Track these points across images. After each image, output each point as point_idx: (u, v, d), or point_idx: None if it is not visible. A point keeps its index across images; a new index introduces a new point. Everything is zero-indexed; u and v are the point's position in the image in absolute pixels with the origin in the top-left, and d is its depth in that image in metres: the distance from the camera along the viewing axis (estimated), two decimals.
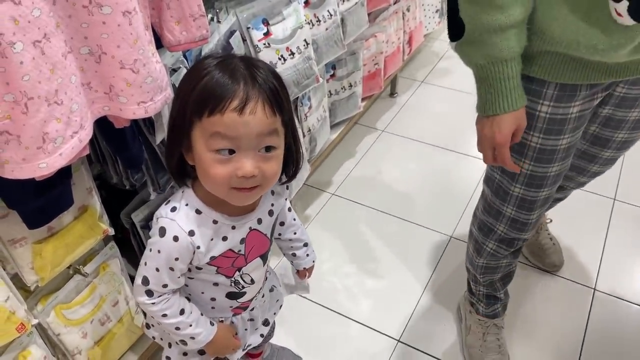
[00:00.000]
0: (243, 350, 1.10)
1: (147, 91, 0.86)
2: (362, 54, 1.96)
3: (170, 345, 1.05)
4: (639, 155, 1.68)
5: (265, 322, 1.13)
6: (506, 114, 0.93)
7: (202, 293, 0.97)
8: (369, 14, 1.88)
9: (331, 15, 1.64)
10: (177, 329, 0.93)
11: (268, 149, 0.80)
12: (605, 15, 0.83)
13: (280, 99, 0.80)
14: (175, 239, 0.85)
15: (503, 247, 1.28)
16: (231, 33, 1.31)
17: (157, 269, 0.87)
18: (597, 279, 1.68)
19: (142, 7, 0.84)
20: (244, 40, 1.37)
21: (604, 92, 1.02)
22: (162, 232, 0.85)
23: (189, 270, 0.91)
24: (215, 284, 0.96)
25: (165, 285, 0.89)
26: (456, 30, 0.94)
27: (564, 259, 1.73)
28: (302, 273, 1.19)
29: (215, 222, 0.88)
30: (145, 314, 1.31)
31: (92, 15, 0.76)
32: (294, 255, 1.15)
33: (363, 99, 2.12)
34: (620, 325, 1.55)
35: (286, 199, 1.05)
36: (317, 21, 1.60)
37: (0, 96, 0.69)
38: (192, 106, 0.78)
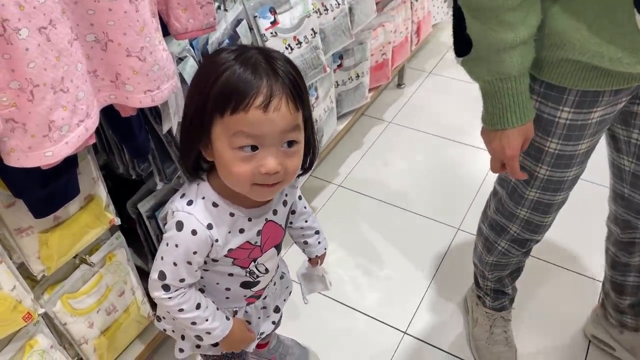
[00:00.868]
0: (258, 339, 1.10)
1: (153, 79, 0.85)
2: (370, 44, 1.94)
3: (183, 337, 1.05)
4: None
5: (276, 309, 1.13)
6: (514, 128, 0.92)
7: (217, 284, 0.97)
8: (376, 3, 1.86)
9: (339, 4, 1.62)
10: (194, 323, 0.93)
11: (290, 144, 0.79)
12: (631, 28, 0.79)
13: (301, 93, 0.79)
14: (194, 232, 0.84)
15: (515, 247, 1.26)
16: (238, 22, 1.30)
17: (175, 264, 0.86)
18: None
19: None
20: (250, 29, 1.36)
21: (630, 94, 0.97)
22: (180, 226, 0.84)
23: (205, 262, 0.90)
24: (230, 275, 0.95)
25: (182, 280, 0.88)
26: (463, 46, 0.92)
27: (573, 256, 1.72)
28: (314, 261, 1.18)
29: (232, 214, 0.87)
30: (153, 306, 1.32)
31: (98, 2, 0.75)
32: (305, 243, 1.14)
33: (370, 90, 2.10)
34: None
35: (297, 187, 1.04)
36: (324, 10, 1.58)
37: (6, 83, 0.68)
38: (212, 103, 0.76)
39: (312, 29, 1.49)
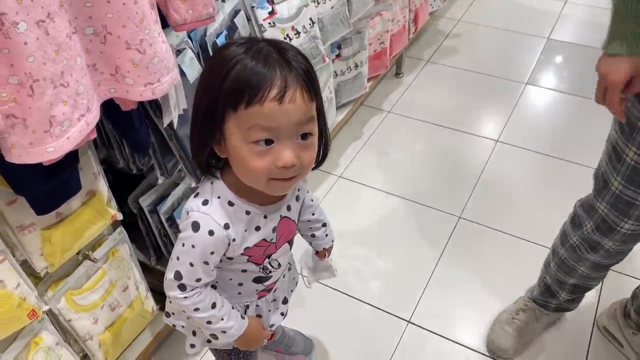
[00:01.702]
0: (269, 330, 1.09)
1: (153, 72, 0.84)
2: (368, 33, 1.93)
3: (195, 333, 1.04)
4: None
5: (285, 301, 1.12)
6: (625, 56, 0.89)
7: (230, 279, 0.96)
8: None
9: None
10: (209, 322, 0.92)
11: (305, 136, 0.77)
12: None
13: (314, 82, 0.77)
14: (211, 233, 0.83)
15: (584, 247, 1.22)
16: (236, 12, 1.29)
17: (192, 264, 0.85)
18: None
19: None
20: (248, 19, 1.35)
21: None
22: (196, 226, 0.83)
23: (220, 261, 0.89)
24: (244, 271, 0.94)
25: (198, 280, 0.87)
26: None
27: None
28: (322, 253, 1.18)
29: (248, 213, 0.86)
30: (157, 301, 1.31)
31: None
32: (313, 236, 1.13)
33: (369, 80, 2.09)
34: None
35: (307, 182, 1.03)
36: None
37: (5, 79, 0.67)
38: (225, 98, 0.74)
39: (310, 19, 1.48)
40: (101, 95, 0.84)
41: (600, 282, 1.34)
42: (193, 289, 0.88)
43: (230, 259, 0.89)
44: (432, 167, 2.05)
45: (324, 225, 1.13)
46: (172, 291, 0.88)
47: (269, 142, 0.75)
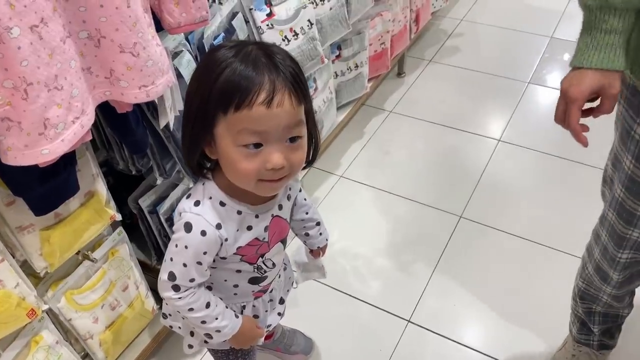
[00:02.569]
0: (267, 331, 1.10)
1: (148, 75, 0.86)
2: (368, 34, 1.94)
3: (192, 333, 1.05)
4: None
5: (281, 301, 1.13)
6: (591, 70, 0.84)
7: (225, 281, 0.97)
8: None
9: None
10: (203, 322, 0.93)
11: (293, 139, 0.79)
12: None
13: (303, 86, 0.78)
14: (203, 233, 0.84)
15: (597, 278, 1.17)
16: (233, 15, 1.30)
17: (185, 265, 0.86)
18: None
19: None
20: (246, 21, 1.36)
21: None
22: (188, 227, 0.84)
23: (214, 261, 0.90)
24: (239, 271, 0.95)
25: (192, 280, 0.88)
26: None
27: (578, 238, 1.71)
28: (316, 252, 1.18)
29: (239, 212, 0.87)
30: (157, 300, 1.33)
31: None
32: (307, 235, 1.14)
33: (370, 80, 2.09)
34: None
35: (299, 181, 1.04)
36: (320, 0, 1.58)
37: (0, 82, 0.68)
38: (215, 101, 0.75)
39: (309, 20, 1.49)
40: (96, 98, 0.86)
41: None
42: (187, 290, 0.89)
43: (224, 258, 0.90)
44: (434, 166, 2.05)
45: (318, 224, 1.13)
46: (166, 292, 0.89)
47: (258, 145, 0.76)
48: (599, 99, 0.88)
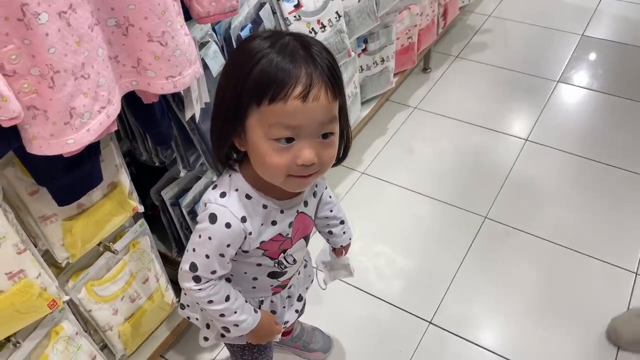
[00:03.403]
0: (284, 327, 1.09)
1: (175, 65, 0.83)
2: (395, 27, 1.90)
3: (208, 326, 1.04)
4: None
5: (300, 298, 1.12)
6: None
7: (245, 273, 0.96)
8: None
9: None
10: (222, 315, 0.92)
11: (326, 135, 0.77)
12: None
13: (339, 80, 0.76)
14: (228, 225, 0.82)
15: None
16: (261, 5, 1.27)
17: (207, 256, 0.85)
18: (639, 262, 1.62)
19: None
20: (273, 12, 1.33)
21: None
22: (213, 218, 0.82)
23: (236, 254, 0.89)
24: (259, 265, 0.94)
25: (214, 272, 0.87)
26: None
27: (605, 243, 1.67)
28: (339, 251, 1.16)
29: (265, 207, 0.86)
30: (176, 293, 1.32)
31: None
32: (330, 233, 1.12)
33: (395, 75, 2.05)
34: None
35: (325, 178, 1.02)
36: None
37: (27, 70, 0.67)
38: (249, 92, 0.73)
39: (337, 12, 1.46)
40: (123, 88, 0.84)
41: None
42: (208, 281, 0.88)
43: (246, 252, 0.89)
44: (458, 165, 2.00)
45: (342, 222, 1.11)
46: (186, 282, 0.88)
47: (289, 140, 0.74)
48: None
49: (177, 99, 1.07)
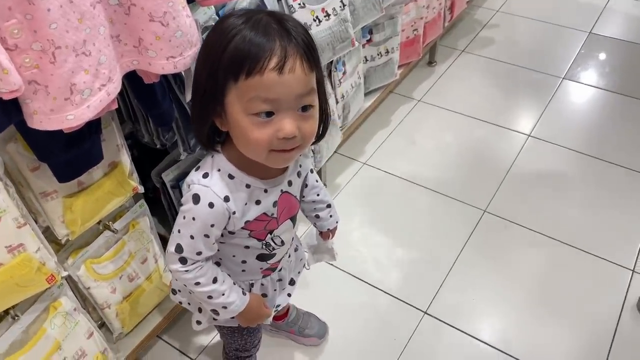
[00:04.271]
0: (274, 311, 1.10)
1: (176, 46, 0.84)
2: (401, 19, 1.90)
3: (200, 310, 1.05)
4: None
5: (291, 282, 1.13)
6: None
7: (233, 256, 0.97)
8: None
9: None
10: (210, 297, 0.93)
11: (305, 108, 0.78)
12: None
13: (315, 53, 0.78)
14: (211, 205, 0.83)
15: None
16: None
17: (192, 237, 0.86)
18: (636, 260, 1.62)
19: None
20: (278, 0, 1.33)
21: None
22: (196, 199, 0.84)
23: (222, 235, 0.90)
24: (247, 247, 0.95)
25: (199, 253, 0.88)
26: None
27: (604, 240, 1.67)
28: (326, 234, 1.17)
29: (248, 186, 0.87)
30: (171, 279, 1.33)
31: None
32: (317, 217, 1.13)
33: (400, 67, 2.06)
34: None
35: (310, 158, 1.03)
36: None
37: (29, 45, 0.68)
38: (225, 70, 0.74)
39: (342, 1, 1.46)
40: (124, 67, 0.85)
41: None
42: (194, 263, 0.89)
43: (232, 233, 0.90)
44: (460, 158, 2.01)
45: (329, 206, 1.13)
46: (173, 264, 0.89)
47: (269, 114, 0.75)
48: None
49: (179, 81, 1.08)
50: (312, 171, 1.06)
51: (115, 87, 0.81)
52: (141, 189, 1.14)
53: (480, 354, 1.43)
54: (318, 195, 1.10)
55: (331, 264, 1.59)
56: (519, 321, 1.49)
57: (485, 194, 1.85)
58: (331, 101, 1.66)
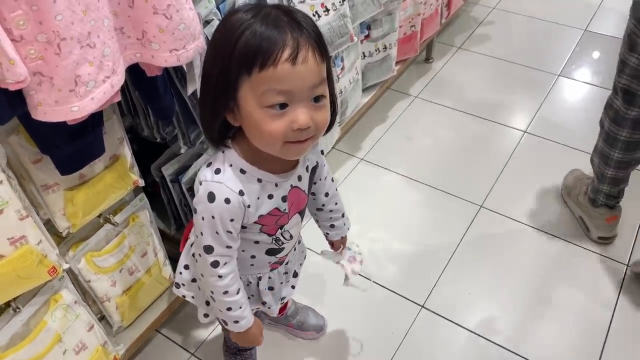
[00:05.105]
0: (280, 303, 1.11)
1: (179, 38, 0.85)
2: (399, 15, 1.90)
3: (208, 303, 1.06)
4: None
5: (295, 274, 1.14)
6: None
7: (243, 251, 0.97)
8: None
9: None
10: (229, 309, 0.94)
11: (318, 98, 0.78)
12: None
13: (324, 44, 0.78)
14: (227, 201, 0.83)
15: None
16: None
17: (217, 232, 0.86)
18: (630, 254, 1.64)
19: None
20: None
21: None
22: (212, 197, 0.83)
23: None
24: (257, 242, 0.96)
25: (229, 247, 0.88)
26: None
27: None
28: (337, 245, 1.19)
29: (259, 180, 0.87)
30: (174, 268, 1.33)
31: None
32: (332, 226, 1.14)
33: (397, 63, 2.06)
34: None
35: (324, 161, 1.03)
36: None
37: (34, 36, 0.68)
38: (237, 64, 0.74)
39: None
40: (127, 59, 0.85)
41: None
42: (225, 263, 0.89)
43: (244, 228, 0.90)
44: (456, 154, 2.02)
45: (343, 215, 1.14)
46: (210, 276, 0.90)
47: (283, 105, 0.75)
48: None
49: (181, 75, 1.08)
50: (332, 180, 1.07)
51: (119, 79, 0.82)
52: (142, 182, 1.14)
53: (477, 348, 1.44)
54: (336, 204, 1.11)
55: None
56: (514, 315, 1.51)
57: (482, 190, 1.86)
58: None
